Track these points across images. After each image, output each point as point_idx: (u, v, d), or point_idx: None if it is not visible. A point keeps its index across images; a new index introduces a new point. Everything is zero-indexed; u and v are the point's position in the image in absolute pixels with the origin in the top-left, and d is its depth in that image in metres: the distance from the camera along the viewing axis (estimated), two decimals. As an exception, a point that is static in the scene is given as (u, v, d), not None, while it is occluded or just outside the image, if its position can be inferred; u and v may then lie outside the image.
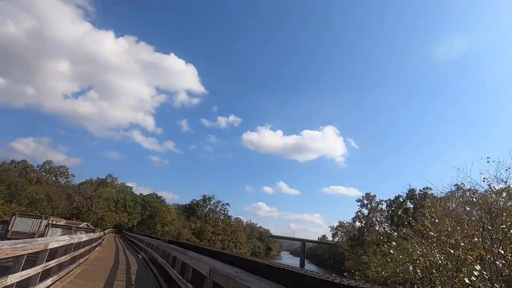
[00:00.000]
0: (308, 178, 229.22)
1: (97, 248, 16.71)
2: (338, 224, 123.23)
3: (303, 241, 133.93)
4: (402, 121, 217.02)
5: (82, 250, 11.08)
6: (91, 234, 11.12)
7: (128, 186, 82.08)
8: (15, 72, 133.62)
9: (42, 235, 14.46)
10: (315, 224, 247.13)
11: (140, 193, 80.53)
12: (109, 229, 47.70)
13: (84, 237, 9.74)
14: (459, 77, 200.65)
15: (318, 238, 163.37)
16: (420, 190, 42.98)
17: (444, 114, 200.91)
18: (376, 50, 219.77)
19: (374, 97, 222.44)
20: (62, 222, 20.23)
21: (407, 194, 45.31)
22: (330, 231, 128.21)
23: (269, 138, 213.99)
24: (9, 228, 14.44)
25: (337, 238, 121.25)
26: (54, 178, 65.79)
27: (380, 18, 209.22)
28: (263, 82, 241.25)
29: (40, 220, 15.35)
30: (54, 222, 16.47)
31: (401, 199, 47.60)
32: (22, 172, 61.60)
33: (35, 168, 62.69)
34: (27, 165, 62.14)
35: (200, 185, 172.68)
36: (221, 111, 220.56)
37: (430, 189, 44.94)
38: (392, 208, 53.92)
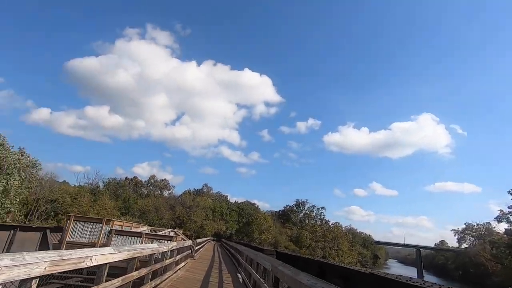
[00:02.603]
0: (405, 176, 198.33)
1: (183, 264, 11.78)
2: (464, 226, 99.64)
3: (418, 248, 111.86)
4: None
5: (144, 270, 5.74)
6: (155, 245, 5.46)
7: (224, 195, 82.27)
8: (129, 110, 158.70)
9: (104, 245, 10.47)
10: (423, 228, 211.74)
11: (235, 201, 79.56)
12: (208, 238, 45.52)
13: (125, 251, 4.16)
14: None
15: (435, 244, 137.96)
16: None
17: None
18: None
19: (482, 72, 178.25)
20: (144, 228, 16.62)
21: None
22: (454, 235, 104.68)
23: (353, 137, 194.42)
24: (64, 237, 10.86)
25: (464, 244, 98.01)
26: (159, 192, 69.86)
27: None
28: (338, 80, 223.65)
29: (101, 225, 11.45)
30: (128, 228, 12.64)
31: None
32: (134, 187, 67.06)
33: (143, 183, 67.75)
34: (138, 181, 67.58)
35: (288, 192, 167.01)
36: (299, 116, 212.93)
37: None
38: None
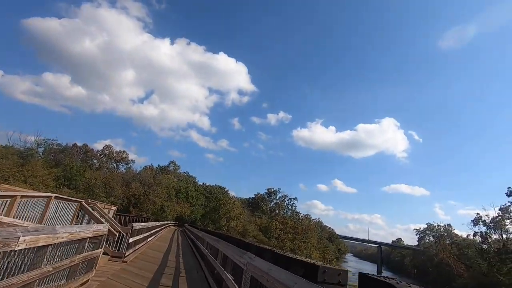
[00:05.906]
0: (365, 176, 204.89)
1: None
2: (426, 226, 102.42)
3: (380, 245, 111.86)
4: (477, 109, 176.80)
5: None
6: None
7: (192, 176, 72.26)
8: (94, 82, 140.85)
9: None
10: (376, 225, 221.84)
11: (203, 183, 69.95)
12: (167, 222, 36.40)
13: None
14: None
15: (392, 241, 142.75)
16: None
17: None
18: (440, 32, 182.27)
19: (441, 84, 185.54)
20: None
21: None
22: (416, 234, 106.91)
23: (321, 134, 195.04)
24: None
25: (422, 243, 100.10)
26: (114, 165, 58.46)
27: None
28: (312, 76, 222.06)
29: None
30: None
31: None
32: (84, 157, 55.02)
33: (95, 153, 55.73)
34: (88, 150, 55.38)
35: (255, 183, 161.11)
36: (270, 108, 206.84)
37: None
38: None
